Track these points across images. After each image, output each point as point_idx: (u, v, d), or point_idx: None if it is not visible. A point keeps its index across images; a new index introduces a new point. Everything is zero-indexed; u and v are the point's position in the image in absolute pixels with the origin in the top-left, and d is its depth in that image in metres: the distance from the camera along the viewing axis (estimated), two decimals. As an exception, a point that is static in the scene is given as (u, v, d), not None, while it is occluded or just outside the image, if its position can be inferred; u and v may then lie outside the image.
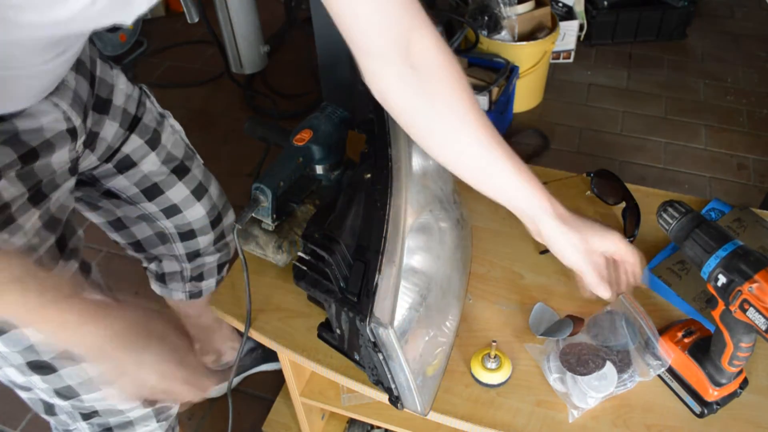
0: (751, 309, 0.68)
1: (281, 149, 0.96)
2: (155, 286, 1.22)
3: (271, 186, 0.91)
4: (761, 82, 2.50)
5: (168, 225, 1.10)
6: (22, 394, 0.89)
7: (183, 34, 2.79)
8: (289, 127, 1.00)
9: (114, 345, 0.62)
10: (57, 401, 0.87)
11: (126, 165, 0.99)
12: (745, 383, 0.80)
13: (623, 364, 0.82)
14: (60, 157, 0.80)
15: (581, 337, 0.85)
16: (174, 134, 1.07)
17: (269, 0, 2.87)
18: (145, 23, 2.74)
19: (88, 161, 0.93)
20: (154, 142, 1.01)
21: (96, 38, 2.45)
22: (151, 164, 1.01)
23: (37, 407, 0.92)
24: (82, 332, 0.61)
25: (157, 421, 0.97)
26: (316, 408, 1.21)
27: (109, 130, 0.94)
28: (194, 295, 1.23)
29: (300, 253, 0.80)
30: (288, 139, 0.96)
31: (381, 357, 0.73)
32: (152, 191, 1.04)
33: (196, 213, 1.10)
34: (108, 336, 0.62)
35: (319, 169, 0.98)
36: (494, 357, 0.83)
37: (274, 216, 0.95)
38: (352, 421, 1.30)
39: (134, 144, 0.99)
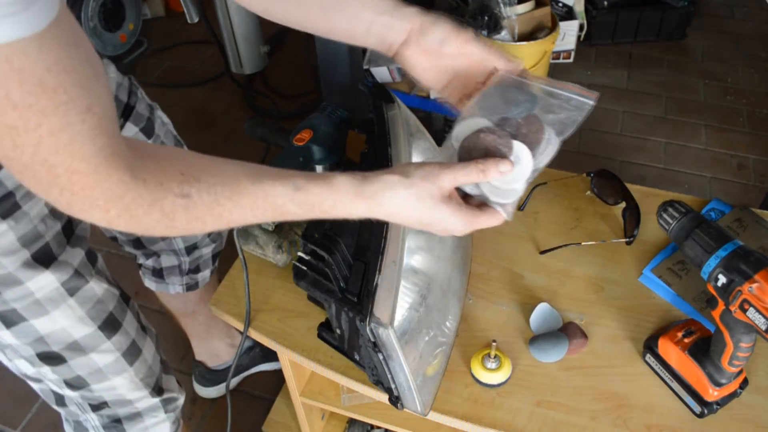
0: (751, 309, 0.68)
1: (281, 149, 0.96)
2: (150, 283, 1.22)
3: (271, 186, 0.91)
4: (761, 82, 2.49)
5: None
6: (34, 386, 0.90)
7: (183, 34, 2.79)
8: (289, 127, 1.00)
9: None
10: (67, 392, 0.88)
11: None
12: (745, 383, 0.80)
13: (532, 135, 0.69)
14: None
15: (476, 121, 0.68)
16: (164, 126, 1.08)
17: (269, 0, 2.87)
18: (145, 23, 2.74)
19: None
20: (148, 131, 1.02)
21: (96, 38, 2.46)
22: None
23: (48, 398, 0.93)
24: None
25: (165, 413, 0.98)
26: (316, 408, 1.21)
27: None
28: (191, 287, 1.23)
29: (300, 253, 0.80)
30: (288, 139, 0.96)
31: (381, 357, 0.73)
32: None
33: None
34: None
35: (319, 169, 0.98)
36: (494, 357, 0.83)
37: (274, 216, 0.95)
38: (352, 421, 1.30)
39: (130, 132, 0.99)
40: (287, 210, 0.59)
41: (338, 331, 0.81)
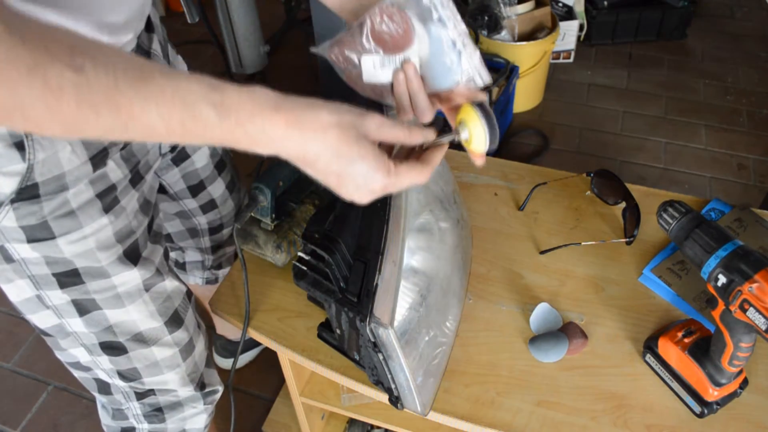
0: (751, 309, 0.68)
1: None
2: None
3: (270, 186, 0.91)
4: (761, 82, 2.49)
5: (202, 221, 1.11)
6: (77, 373, 0.91)
7: (183, 34, 2.79)
8: (289, 127, 1.00)
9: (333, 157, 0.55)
10: (116, 381, 0.89)
11: (182, 157, 1.00)
12: (745, 383, 0.80)
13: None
14: None
15: None
16: None
17: (269, 0, 2.87)
18: (145, 23, 2.74)
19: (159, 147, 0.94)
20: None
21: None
22: (202, 157, 1.03)
23: (90, 386, 0.93)
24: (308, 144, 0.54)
25: (204, 404, 0.99)
26: (316, 408, 1.21)
27: None
28: (210, 281, 1.26)
29: (300, 253, 0.80)
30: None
31: (381, 357, 0.73)
32: (197, 187, 1.05)
33: (228, 208, 1.13)
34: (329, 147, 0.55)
35: (319, 169, 0.98)
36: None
37: (273, 216, 0.95)
38: (352, 421, 1.30)
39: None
40: (200, 113, 0.49)
41: (338, 331, 0.81)
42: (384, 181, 0.57)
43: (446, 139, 0.62)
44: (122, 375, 0.87)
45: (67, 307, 0.77)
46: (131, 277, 0.78)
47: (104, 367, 0.86)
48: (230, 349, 1.55)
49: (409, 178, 0.58)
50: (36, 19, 0.45)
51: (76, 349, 0.84)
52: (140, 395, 0.92)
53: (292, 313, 0.94)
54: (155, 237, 0.84)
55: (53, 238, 0.70)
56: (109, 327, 0.81)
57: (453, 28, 0.62)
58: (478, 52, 0.64)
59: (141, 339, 0.84)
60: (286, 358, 0.99)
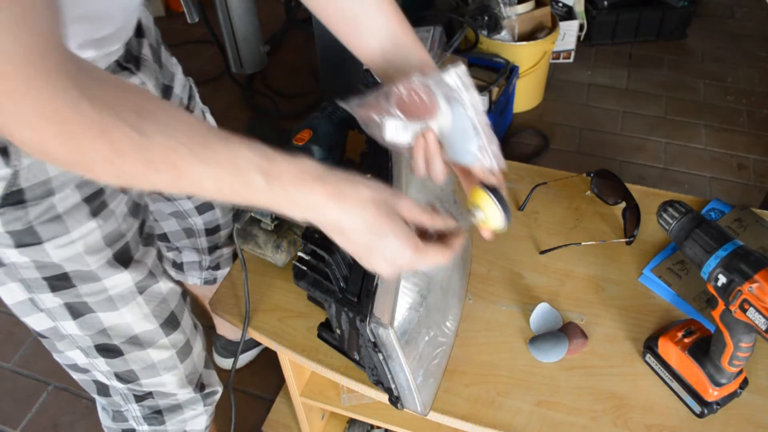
0: (751, 309, 0.68)
1: (281, 149, 0.96)
2: (170, 272, 1.24)
3: (271, 186, 0.91)
4: (761, 82, 2.49)
5: (198, 221, 1.11)
6: (76, 375, 0.91)
7: (183, 34, 2.79)
8: (289, 127, 1.00)
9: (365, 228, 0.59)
10: (114, 383, 0.89)
11: None
12: (745, 383, 0.80)
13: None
14: None
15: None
16: None
17: (269, 0, 2.87)
18: (145, 23, 2.74)
19: None
20: None
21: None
22: None
23: (89, 388, 0.93)
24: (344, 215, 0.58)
25: (204, 405, 0.99)
26: (316, 408, 1.21)
27: None
28: (209, 281, 1.26)
29: (300, 253, 0.80)
30: (288, 139, 0.96)
31: (381, 357, 0.73)
32: None
33: (224, 210, 1.13)
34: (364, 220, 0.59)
35: (319, 169, 0.98)
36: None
37: (274, 215, 0.95)
38: (352, 421, 1.30)
39: None
40: (251, 179, 0.53)
41: (338, 331, 0.81)
42: (411, 257, 0.60)
43: (464, 224, 0.66)
44: (119, 377, 0.87)
45: (61, 311, 0.77)
46: (123, 280, 0.78)
47: (101, 369, 0.86)
48: (230, 349, 1.55)
49: (435, 258, 0.62)
50: (106, 78, 0.48)
51: (73, 351, 0.84)
52: (139, 398, 0.92)
53: (292, 313, 0.94)
54: (147, 239, 0.83)
55: (40, 243, 0.70)
56: (104, 330, 0.81)
57: (475, 113, 0.66)
58: (496, 139, 0.68)
59: (136, 342, 0.84)
60: (286, 358, 0.99)
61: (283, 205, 0.56)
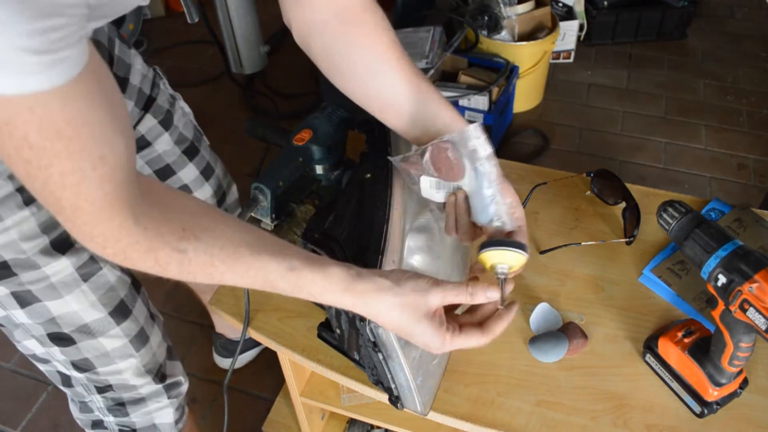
0: (751, 309, 0.68)
1: (281, 149, 0.97)
2: None
3: (270, 186, 0.91)
4: (761, 82, 2.49)
5: None
6: (41, 366, 0.92)
7: (183, 34, 2.79)
8: (289, 127, 1.00)
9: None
10: (74, 373, 0.90)
11: (141, 145, 1.01)
12: (745, 383, 0.80)
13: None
14: None
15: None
16: (184, 116, 1.10)
17: (269, 0, 2.87)
18: (145, 23, 2.74)
19: None
20: (167, 123, 1.04)
21: (96, 38, 2.45)
22: (164, 144, 1.04)
23: (55, 379, 0.94)
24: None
25: (168, 398, 0.99)
26: (316, 408, 1.21)
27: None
28: None
29: (300, 253, 0.80)
30: (288, 139, 0.96)
31: (381, 357, 0.73)
32: (165, 172, 1.06)
33: (204, 193, 1.14)
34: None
35: (318, 169, 0.98)
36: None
37: (274, 216, 0.95)
38: (352, 421, 1.30)
39: (148, 124, 1.01)
40: (277, 285, 0.62)
41: (338, 331, 0.81)
42: (440, 349, 0.66)
43: (497, 295, 0.67)
44: (76, 366, 0.88)
45: (8, 300, 0.79)
46: (62, 266, 0.79)
47: (58, 358, 0.87)
48: (230, 348, 1.55)
49: (464, 344, 0.66)
50: (160, 200, 0.58)
51: (29, 341, 0.85)
52: (100, 389, 0.93)
53: (292, 313, 0.94)
54: None
55: None
56: (53, 319, 0.82)
57: (490, 177, 0.70)
58: (509, 199, 0.72)
59: (87, 330, 0.85)
60: (286, 358, 0.99)
61: (314, 300, 0.65)
